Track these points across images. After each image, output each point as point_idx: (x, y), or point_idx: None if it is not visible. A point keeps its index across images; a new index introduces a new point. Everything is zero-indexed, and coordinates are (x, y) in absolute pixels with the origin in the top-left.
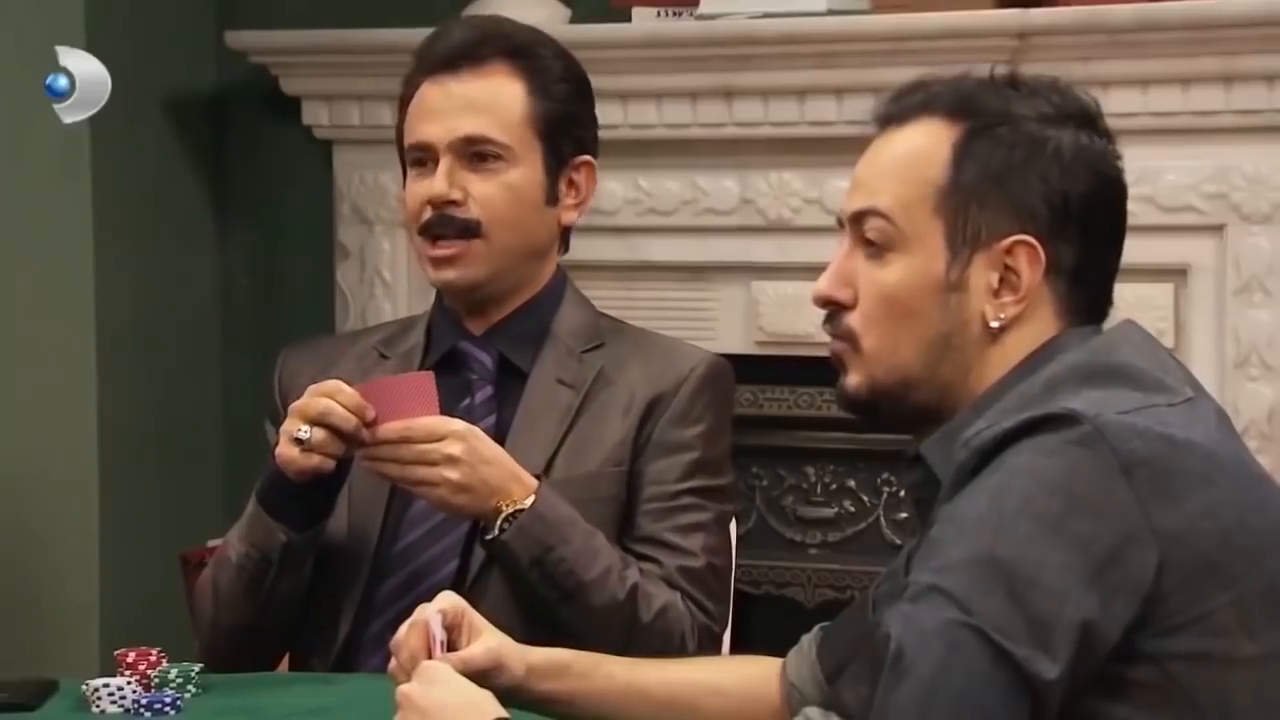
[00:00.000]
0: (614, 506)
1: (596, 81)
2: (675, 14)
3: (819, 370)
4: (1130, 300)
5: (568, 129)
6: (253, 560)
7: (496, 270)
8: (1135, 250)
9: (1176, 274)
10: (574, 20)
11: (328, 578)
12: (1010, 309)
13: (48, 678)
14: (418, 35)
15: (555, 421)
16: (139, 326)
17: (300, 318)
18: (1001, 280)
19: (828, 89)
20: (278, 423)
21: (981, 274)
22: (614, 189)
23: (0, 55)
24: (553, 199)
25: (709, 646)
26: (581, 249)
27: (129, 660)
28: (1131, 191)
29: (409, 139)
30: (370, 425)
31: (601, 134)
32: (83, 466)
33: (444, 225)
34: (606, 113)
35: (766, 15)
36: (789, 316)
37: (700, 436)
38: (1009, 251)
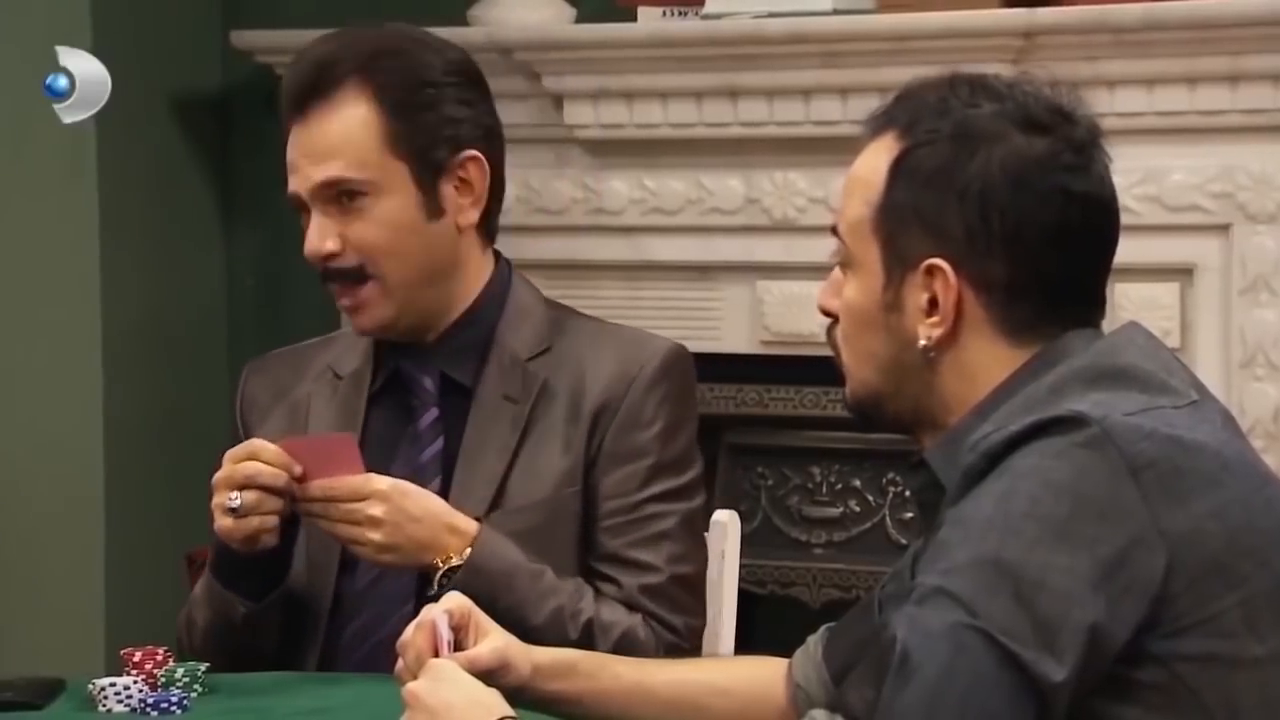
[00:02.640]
0: (575, 525)
1: (602, 81)
2: (680, 13)
3: (824, 370)
4: (1136, 300)
5: (433, 136)
6: (217, 627)
7: (401, 305)
8: (1141, 250)
9: (1182, 273)
10: (579, 20)
11: (291, 617)
12: (935, 330)
13: (54, 676)
14: None
15: (502, 444)
16: (145, 326)
17: (305, 317)
18: (930, 301)
19: (833, 88)
20: (239, 442)
21: (914, 295)
22: (619, 188)
23: (6, 55)
24: (436, 212)
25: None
26: (586, 248)
27: (135, 659)
28: (1137, 191)
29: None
30: (300, 480)
31: (607, 133)
32: (89, 465)
33: (334, 277)
34: (612, 112)
35: (772, 15)
36: (794, 316)
37: (656, 438)
38: (928, 273)
